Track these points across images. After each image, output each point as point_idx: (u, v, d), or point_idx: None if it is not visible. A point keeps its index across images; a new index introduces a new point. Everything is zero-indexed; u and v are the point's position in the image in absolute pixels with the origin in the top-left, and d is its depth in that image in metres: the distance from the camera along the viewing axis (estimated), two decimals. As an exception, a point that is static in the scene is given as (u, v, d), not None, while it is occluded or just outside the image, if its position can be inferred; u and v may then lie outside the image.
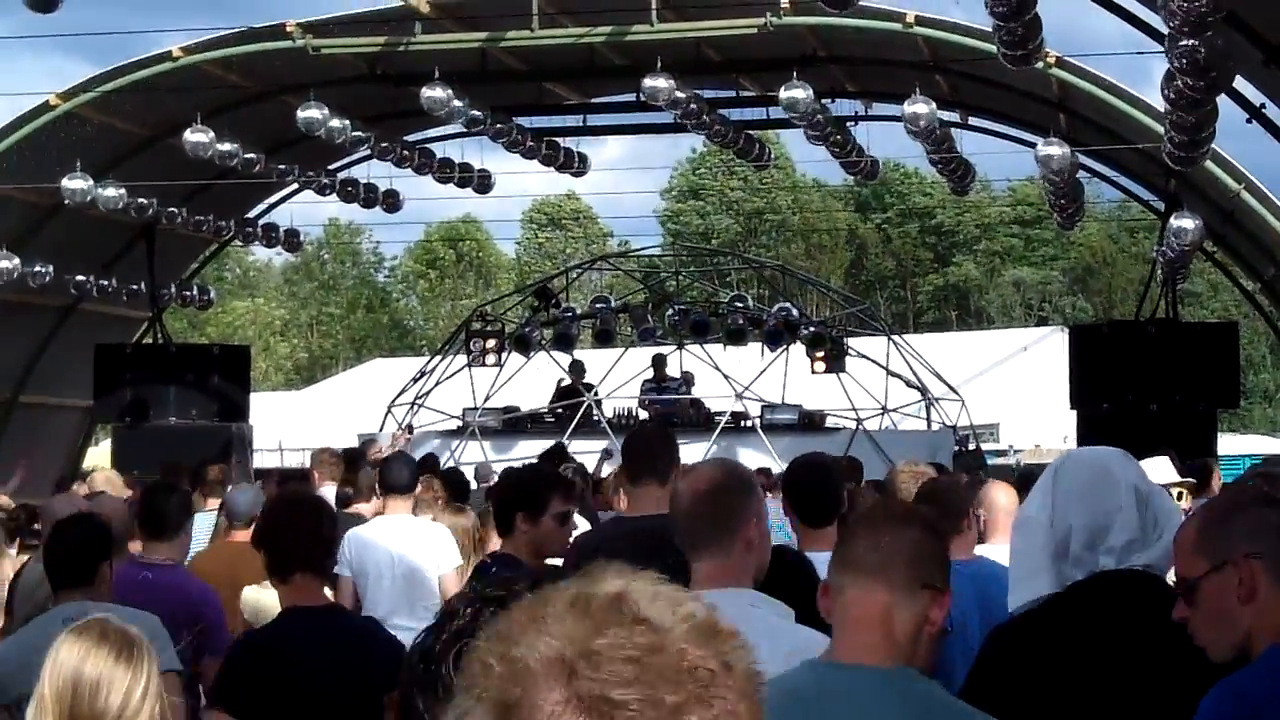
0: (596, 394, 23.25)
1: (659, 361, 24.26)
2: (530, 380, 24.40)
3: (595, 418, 22.41)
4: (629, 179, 69.32)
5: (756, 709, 1.37)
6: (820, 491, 6.13)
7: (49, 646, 5.39)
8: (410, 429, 22.67)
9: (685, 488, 4.31)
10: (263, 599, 7.54)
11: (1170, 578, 4.33)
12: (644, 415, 23.53)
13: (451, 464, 19.75)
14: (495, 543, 8.66)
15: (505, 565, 6.59)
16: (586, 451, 20.24)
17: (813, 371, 24.06)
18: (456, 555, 8.69)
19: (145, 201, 20.92)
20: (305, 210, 33.02)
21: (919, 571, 3.13)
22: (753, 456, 19.95)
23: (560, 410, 23.20)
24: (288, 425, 35.97)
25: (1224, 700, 3.12)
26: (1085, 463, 3.89)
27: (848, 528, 3.30)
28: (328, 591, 7.43)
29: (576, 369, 23.54)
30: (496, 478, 16.25)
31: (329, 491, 10.44)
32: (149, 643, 2.50)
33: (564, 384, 23.58)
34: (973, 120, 22.69)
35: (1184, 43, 12.33)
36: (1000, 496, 6.70)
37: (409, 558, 8.66)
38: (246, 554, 8.36)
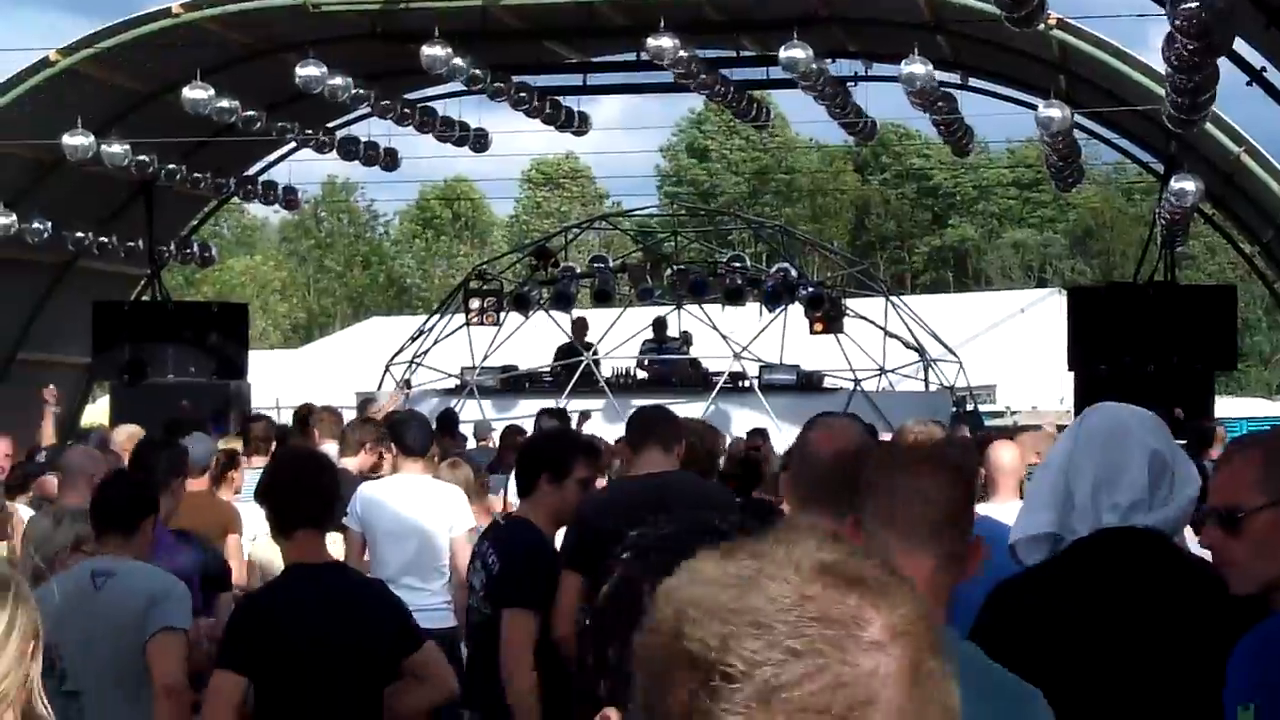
0: (596, 353, 23.25)
1: (660, 324, 24.26)
2: (529, 339, 24.39)
3: (593, 377, 22.43)
4: (626, 139, 69.03)
5: None
6: None
7: (77, 596, 5.44)
8: (409, 385, 22.68)
9: (826, 442, 4.11)
10: (270, 554, 7.56)
11: (1191, 541, 4.34)
12: (643, 375, 23.54)
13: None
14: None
15: (515, 526, 6.59)
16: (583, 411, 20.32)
17: (811, 332, 24.02)
18: (470, 518, 8.63)
19: (146, 159, 20.85)
20: (302, 168, 32.97)
21: (961, 526, 3.07)
22: (750, 416, 19.99)
23: (559, 369, 23.22)
24: (285, 383, 35.92)
25: (1267, 644, 3.11)
26: (1108, 415, 3.88)
27: (883, 475, 3.15)
28: (337, 546, 7.45)
29: (579, 326, 23.47)
30: (496, 437, 16.33)
31: (330, 448, 10.44)
32: (19, 591, 2.41)
33: (566, 342, 23.55)
34: (972, 81, 22.63)
35: (1186, 5, 12.29)
36: (1004, 455, 6.67)
37: (420, 519, 8.57)
38: (200, 502, 8.37)
